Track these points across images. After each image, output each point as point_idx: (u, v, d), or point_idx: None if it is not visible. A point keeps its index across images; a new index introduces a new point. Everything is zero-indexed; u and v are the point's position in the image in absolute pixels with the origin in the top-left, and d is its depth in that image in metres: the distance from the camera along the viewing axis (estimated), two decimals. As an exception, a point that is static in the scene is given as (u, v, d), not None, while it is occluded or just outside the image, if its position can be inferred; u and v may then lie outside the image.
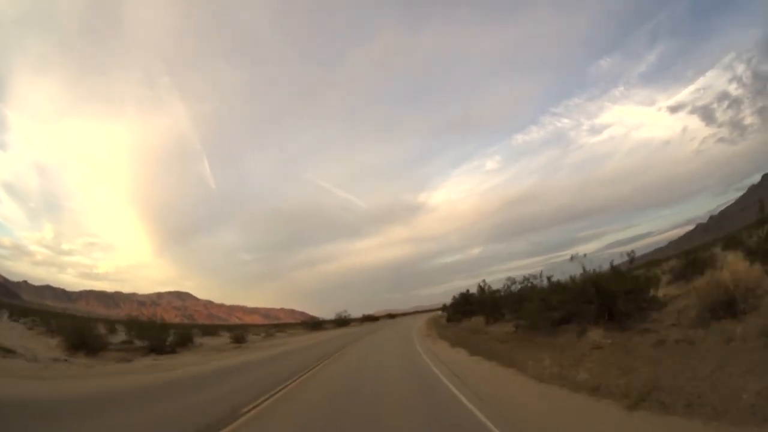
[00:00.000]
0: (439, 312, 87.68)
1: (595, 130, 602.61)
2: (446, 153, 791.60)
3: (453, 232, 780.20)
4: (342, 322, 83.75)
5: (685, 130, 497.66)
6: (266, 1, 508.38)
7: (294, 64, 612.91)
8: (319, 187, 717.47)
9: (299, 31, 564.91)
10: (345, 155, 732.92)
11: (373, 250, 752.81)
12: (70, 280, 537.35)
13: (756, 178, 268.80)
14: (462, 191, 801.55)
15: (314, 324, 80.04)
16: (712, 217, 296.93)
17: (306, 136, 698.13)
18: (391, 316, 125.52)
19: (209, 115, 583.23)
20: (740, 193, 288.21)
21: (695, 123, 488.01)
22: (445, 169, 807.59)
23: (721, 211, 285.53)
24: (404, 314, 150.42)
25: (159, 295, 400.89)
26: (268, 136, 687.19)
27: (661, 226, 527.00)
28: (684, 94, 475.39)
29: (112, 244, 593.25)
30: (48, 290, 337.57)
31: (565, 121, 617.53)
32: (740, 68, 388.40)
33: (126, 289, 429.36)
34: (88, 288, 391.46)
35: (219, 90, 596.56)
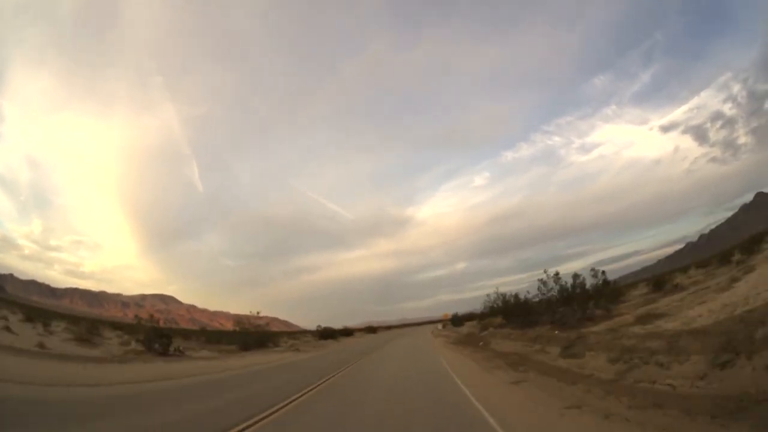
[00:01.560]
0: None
1: (585, 149, 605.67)
2: (435, 167, 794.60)
3: (439, 246, 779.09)
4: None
5: (677, 149, 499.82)
6: (261, 7, 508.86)
7: (286, 72, 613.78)
8: (305, 197, 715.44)
9: (293, 38, 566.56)
10: (333, 165, 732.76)
11: (358, 262, 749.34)
12: (56, 276, 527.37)
13: (748, 198, 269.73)
14: (449, 206, 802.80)
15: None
16: (702, 236, 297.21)
17: (295, 144, 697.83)
18: (372, 329, 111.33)
19: (199, 118, 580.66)
20: (731, 213, 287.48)
21: (687, 142, 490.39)
22: (433, 183, 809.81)
23: (712, 230, 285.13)
24: (388, 328, 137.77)
25: (143, 296, 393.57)
26: (257, 142, 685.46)
27: (649, 245, 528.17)
28: (677, 113, 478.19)
29: (98, 243, 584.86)
30: (34, 285, 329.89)
31: (556, 139, 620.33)
32: (736, 88, 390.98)
33: (111, 289, 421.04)
34: (73, 286, 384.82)
35: (210, 94, 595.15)
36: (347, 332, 77.29)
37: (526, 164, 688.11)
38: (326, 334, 69.85)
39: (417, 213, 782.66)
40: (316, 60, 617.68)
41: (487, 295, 42.60)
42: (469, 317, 70.45)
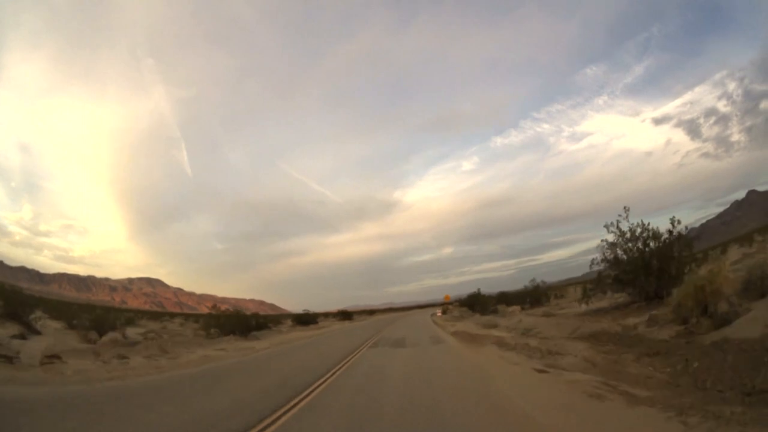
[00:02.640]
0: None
1: (575, 138, 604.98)
2: (423, 151, 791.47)
3: (426, 230, 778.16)
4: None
5: (668, 142, 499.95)
6: None
7: (277, 55, 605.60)
8: (294, 180, 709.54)
9: (286, 21, 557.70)
10: (322, 149, 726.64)
11: (346, 246, 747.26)
12: (46, 262, 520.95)
13: (740, 194, 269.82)
14: (437, 190, 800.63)
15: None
16: (692, 230, 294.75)
17: (284, 128, 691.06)
18: (346, 314, 77.60)
19: (190, 101, 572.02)
20: (722, 208, 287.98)
21: (680, 136, 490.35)
22: (421, 167, 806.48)
23: (702, 224, 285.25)
24: (371, 312, 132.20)
25: (130, 280, 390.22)
26: (247, 125, 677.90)
27: None
28: (670, 107, 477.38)
29: (87, 227, 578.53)
30: (23, 272, 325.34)
31: (546, 126, 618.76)
32: (732, 86, 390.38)
33: (99, 273, 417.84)
34: (61, 271, 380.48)
35: (201, 76, 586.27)
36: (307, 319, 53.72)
37: (516, 151, 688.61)
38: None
39: (404, 197, 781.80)
40: (308, 43, 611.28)
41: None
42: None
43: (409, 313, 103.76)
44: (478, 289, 54.71)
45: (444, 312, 62.54)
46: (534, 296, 44.42)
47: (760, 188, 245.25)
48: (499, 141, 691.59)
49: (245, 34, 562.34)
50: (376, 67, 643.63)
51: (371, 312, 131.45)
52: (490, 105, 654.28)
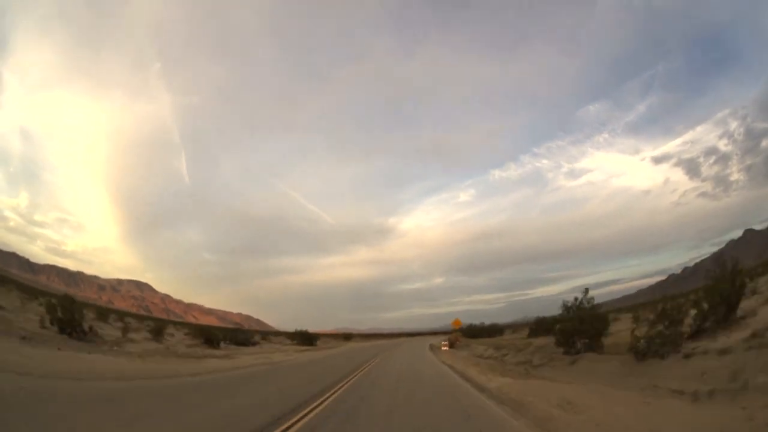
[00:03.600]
0: (444, 346, 47.86)
1: (574, 174, 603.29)
2: (421, 180, 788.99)
3: (418, 259, 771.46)
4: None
5: (667, 181, 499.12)
6: (265, 4, 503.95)
7: (280, 71, 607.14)
8: (289, 197, 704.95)
9: (292, 38, 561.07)
10: (318, 169, 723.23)
11: (336, 268, 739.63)
12: (38, 252, 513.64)
13: (736, 234, 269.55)
14: (432, 220, 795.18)
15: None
16: (686, 269, 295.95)
17: (282, 144, 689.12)
18: (307, 337, 62.06)
19: (192, 109, 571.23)
20: (716, 248, 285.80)
21: (678, 175, 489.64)
22: (417, 196, 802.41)
23: (696, 263, 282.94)
24: (347, 336, 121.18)
25: (119, 281, 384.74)
26: (246, 138, 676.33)
27: (630, 274, 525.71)
28: (671, 146, 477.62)
29: (82, 223, 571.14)
30: (14, 258, 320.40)
31: (545, 161, 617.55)
32: (734, 125, 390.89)
33: (89, 270, 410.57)
34: (52, 263, 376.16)
35: (205, 86, 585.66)
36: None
37: (513, 185, 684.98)
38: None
39: (399, 224, 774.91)
40: (311, 62, 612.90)
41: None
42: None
43: (397, 343, 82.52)
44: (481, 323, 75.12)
45: (451, 345, 45.30)
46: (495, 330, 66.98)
47: (757, 227, 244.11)
48: (497, 174, 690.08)
49: (252, 47, 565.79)
50: (378, 92, 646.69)
51: (347, 337, 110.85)
52: (490, 138, 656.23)
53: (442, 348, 44.15)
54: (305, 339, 58.92)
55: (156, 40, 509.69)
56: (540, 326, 40.57)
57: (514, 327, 77.04)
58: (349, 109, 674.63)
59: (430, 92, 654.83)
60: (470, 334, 63.61)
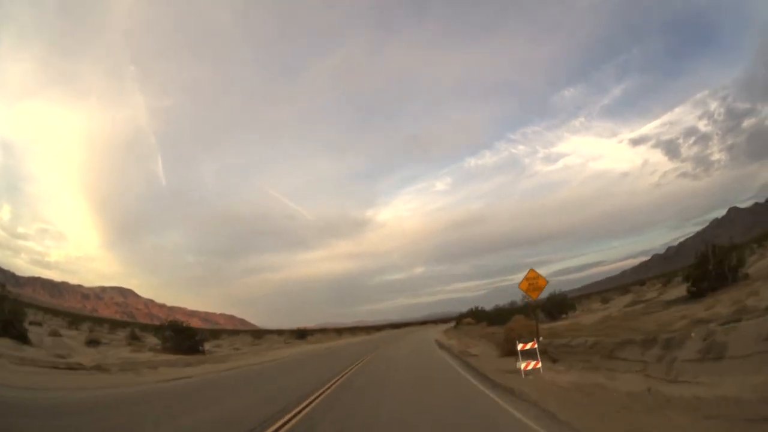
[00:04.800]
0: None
1: (550, 159, 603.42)
2: (397, 171, 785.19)
3: (398, 250, 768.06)
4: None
5: (645, 163, 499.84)
6: (239, 3, 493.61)
7: (256, 70, 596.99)
8: (267, 195, 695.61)
9: (266, 36, 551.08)
10: (296, 165, 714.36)
11: (317, 263, 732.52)
12: (22, 265, 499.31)
13: (720, 213, 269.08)
14: (409, 210, 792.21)
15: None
16: (669, 249, 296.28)
17: (259, 142, 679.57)
18: (301, 334, 66.19)
19: (167, 110, 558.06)
20: (700, 227, 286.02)
21: (657, 157, 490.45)
22: (394, 187, 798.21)
23: (680, 243, 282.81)
24: (340, 330, 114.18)
25: (103, 289, 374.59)
26: (223, 138, 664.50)
27: (613, 256, 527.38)
28: (648, 127, 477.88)
29: (63, 232, 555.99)
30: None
31: (521, 147, 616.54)
32: (713, 105, 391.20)
33: (73, 280, 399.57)
34: (36, 275, 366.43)
35: (180, 87, 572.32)
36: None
37: (490, 171, 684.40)
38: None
39: (377, 215, 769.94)
40: (286, 60, 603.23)
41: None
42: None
43: (383, 339, 61.92)
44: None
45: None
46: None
47: (741, 205, 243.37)
48: (473, 162, 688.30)
49: (227, 46, 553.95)
50: (352, 85, 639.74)
51: (301, 334, 76.82)
52: (464, 126, 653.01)
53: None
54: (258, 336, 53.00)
55: (130, 43, 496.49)
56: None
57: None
58: (323, 104, 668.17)
59: (404, 83, 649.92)
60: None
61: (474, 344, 29.12)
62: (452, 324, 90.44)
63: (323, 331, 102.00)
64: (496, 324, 42.86)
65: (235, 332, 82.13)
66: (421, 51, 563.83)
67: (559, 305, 41.67)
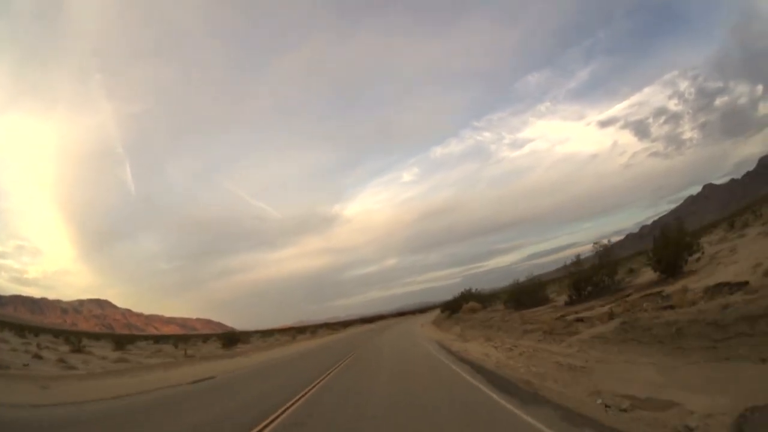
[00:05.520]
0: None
1: (516, 145, 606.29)
2: (363, 164, 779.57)
3: (368, 243, 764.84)
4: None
5: (615, 144, 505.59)
6: (201, 3, 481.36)
7: (220, 71, 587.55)
8: (235, 196, 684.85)
9: (231, 36, 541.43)
10: (260, 164, 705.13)
11: (288, 261, 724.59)
12: (2, 283, 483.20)
13: (695, 190, 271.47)
14: (378, 202, 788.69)
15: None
16: (644, 227, 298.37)
17: (224, 143, 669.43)
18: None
19: (133, 117, 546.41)
20: (674, 205, 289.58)
21: (627, 138, 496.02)
22: (361, 180, 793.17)
23: (654, 221, 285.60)
24: (313, 328, 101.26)
25: (81, 302, 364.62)
26: (189, 142, 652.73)
27: (585, 238, 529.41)
28: (616, 109, 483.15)
29: (39, 248, 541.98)
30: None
31: (486, 134, 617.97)
32: (684, 85, 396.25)
33: (52, 295, 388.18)
34: (17, 293, 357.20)
35: (146, 92, 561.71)
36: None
37: (456, 160, 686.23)
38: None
39: (345, 210, 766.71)
40: (250, 58, 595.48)
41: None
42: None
43: (350, 341, 41.90)
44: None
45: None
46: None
47: (717, 182, 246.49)
48: (439, 151, 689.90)
49: (191, 48, 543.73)
50: (317, 80, 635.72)
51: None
52: (430, 115, 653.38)
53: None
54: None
55: (95, 50, 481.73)
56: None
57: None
58: (289, 101, 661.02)
59: (368, 76, 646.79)
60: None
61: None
62: (438, 312, 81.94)
63: (285, 331, 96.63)
64: (524, 306, 28.98)
65: (206, 337, 77.68)
66: (385, 41, 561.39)
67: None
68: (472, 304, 43.58)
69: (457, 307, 48.07)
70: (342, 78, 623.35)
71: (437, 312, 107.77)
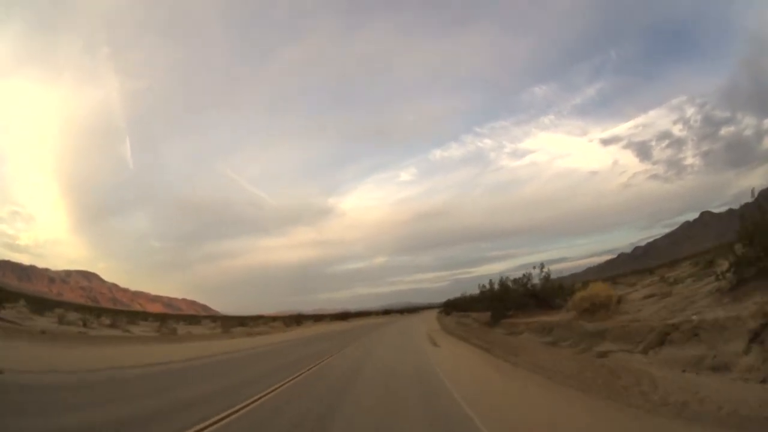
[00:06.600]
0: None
1: (517, 154, 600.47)
2: (361, 160, 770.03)
3: (360, 239, 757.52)
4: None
5: (615, 163, 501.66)
6: None
7: (224, 54, 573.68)
8: (231, 180, 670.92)
9: (235, 17, 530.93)
10: (260, 151, 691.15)
11: (279, 250, 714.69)
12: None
13: (691, 216, 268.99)
14: (373, 200, 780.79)
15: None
16: (637, 248, 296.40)
17: (225, 127, 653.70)
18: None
19: (137, 93, 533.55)
20: (669, 229, 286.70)
21: (628, 158, 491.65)
22: (358, 175, 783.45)
23: (649, 243, 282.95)
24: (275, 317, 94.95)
25: (68, 273, 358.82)
26: (190, 123, 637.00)
27: (578, 253, 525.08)
28: (621, 128, 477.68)
29: (33, 215, 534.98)
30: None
31: (488, 141, 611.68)
32: (690, 111, 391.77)
33: (41, 264, 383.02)
34: (6, 258, 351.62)
35: (150, 68, 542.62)
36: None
37: (455, 164, 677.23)
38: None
39: (339, 204, 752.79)
40: (255, 44, 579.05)
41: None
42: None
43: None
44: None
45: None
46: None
47: (715, 210, 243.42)
48: (438, 154, 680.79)
49: (199, 29, 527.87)
50: (320, 72, 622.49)
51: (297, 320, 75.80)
52: (432, 117, 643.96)
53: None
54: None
55: (104, 22, 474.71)
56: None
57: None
58: (291, 90, 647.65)
59: (372, 72, 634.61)
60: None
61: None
62: (436, 314, 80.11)
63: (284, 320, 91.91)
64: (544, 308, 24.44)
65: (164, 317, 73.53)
66: (393, 40, 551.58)
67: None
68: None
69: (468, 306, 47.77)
70: (346, 73, 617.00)
71: (432, 313, 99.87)
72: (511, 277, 30.72)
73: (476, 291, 41.98)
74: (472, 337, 24.28)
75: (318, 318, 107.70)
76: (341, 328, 61.26)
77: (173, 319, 64.53)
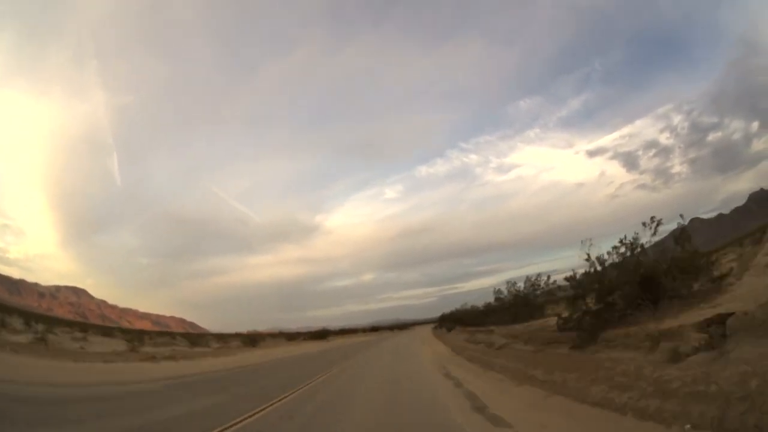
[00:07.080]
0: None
1: (503, 169, 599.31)
2: (347, 177, 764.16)
3: (347, 256, 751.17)
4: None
5: (602, 174, 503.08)
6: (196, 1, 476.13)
7: (211, 70, 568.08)
8: (217, 197, 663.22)
9: (222, 32, 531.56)
10: (246, 168, 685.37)
11: (266, 267, 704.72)
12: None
13: (682, 223, 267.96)
14: (359, 216, 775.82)
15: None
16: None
17: (212, 144, 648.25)
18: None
19: (124, 108, 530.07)
20: (659, 238, 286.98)
21: (615, 168, 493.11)
22: (344, 192, 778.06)
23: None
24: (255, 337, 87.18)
25: (57, 288, 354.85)
26: (177, 139, 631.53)
27: (565, 265, 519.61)
28: (606, 139, 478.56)
29: (23, 229, 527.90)
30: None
31: (473, 157, 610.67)
32: (677, 119, 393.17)
33: (30, 278, 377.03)
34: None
35: (138, 85, 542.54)
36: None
37: (441, 180, 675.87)
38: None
39: (326, 221, 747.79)
40: (241, 59, 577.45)
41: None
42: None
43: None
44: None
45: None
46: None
47: (704, 216, 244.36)
48: (424, 170, 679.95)
49: (187, 44, 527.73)
50: (305, 89, 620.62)
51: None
52: (416, 134, 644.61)
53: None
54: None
55: (93, 35, 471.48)
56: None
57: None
58: (276, 106, 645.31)
59: (356, 89, 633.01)
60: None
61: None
62: (434, 326, 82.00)
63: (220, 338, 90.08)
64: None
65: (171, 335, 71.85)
66: (376, 55, 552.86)
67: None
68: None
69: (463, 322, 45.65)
70: (331, 89, 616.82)
71: (425, 329, 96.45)
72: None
73: (468, 305, 41.63)
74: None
75: (291, 337, 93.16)
76: (308, 351, 47.61)
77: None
